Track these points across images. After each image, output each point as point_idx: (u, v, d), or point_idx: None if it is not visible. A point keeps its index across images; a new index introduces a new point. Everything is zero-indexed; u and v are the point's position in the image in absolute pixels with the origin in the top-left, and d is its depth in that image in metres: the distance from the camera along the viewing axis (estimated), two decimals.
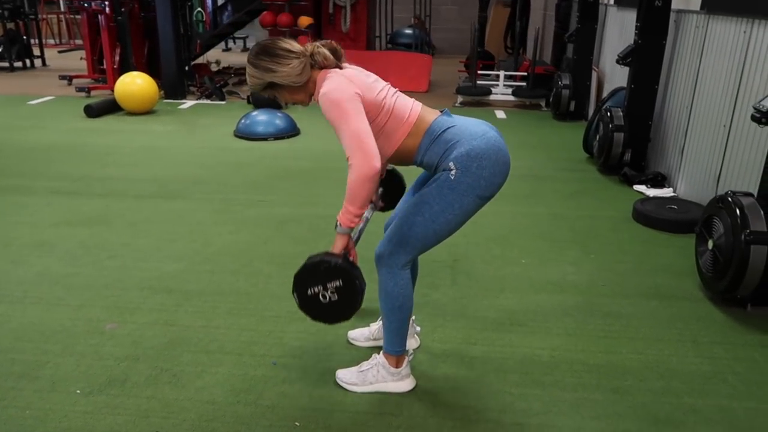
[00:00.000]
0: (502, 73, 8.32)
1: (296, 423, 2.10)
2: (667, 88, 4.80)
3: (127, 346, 2.53)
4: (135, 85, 7.01)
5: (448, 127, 2.02)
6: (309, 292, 1.96)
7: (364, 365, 2.29)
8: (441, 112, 2.12)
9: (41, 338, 2.58)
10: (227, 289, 3.02)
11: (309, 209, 4.14)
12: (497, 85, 8.26)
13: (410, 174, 2.41)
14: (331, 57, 2.05)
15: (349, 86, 1.95)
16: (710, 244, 2.94)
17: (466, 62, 9.54)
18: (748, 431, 2.10)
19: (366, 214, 2.28)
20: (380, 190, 2.49)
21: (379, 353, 2.29)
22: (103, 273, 3.17)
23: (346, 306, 1.97)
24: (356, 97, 1.94)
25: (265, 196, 4.39)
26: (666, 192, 4.53)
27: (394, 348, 2.22)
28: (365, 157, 1.87)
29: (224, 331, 2.66)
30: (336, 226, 2.01)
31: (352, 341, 2.57)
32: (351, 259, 2.07)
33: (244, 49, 15.07)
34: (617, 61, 4.86)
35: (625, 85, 5.56)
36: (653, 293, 3.06)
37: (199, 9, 8.32)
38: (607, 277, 3.22)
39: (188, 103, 7.89)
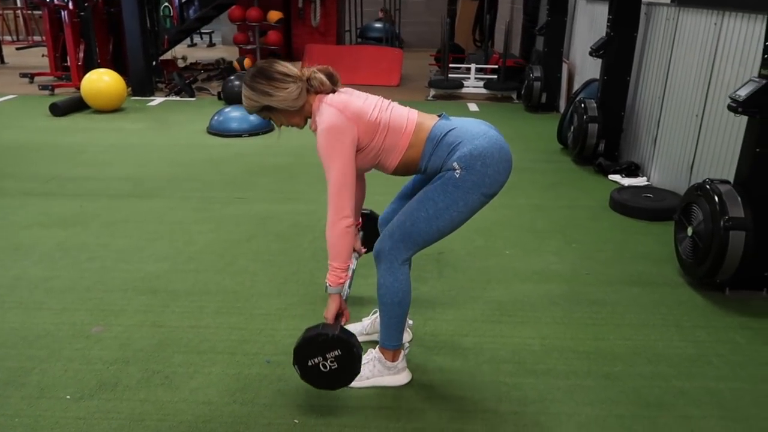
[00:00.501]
0: (473, 66, 8.37)
1: (295, 420, 2.09)
2: (639, 80, 4.90)
3: (115, 349, 2.48)
4: (102, 82, 6.85)
5: (449, 131, 2.04)
6: (309, 363, 2.00)
7: None
8: (439, 116, 2.13)
9: (24, 344, 2.51)
10: (213, 288, 2.98)
11: (290, 205, 4.11)
12: (468, 78, 8.31)
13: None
14: (327, 82, 2.07)
15: (343, 121, 1.98)
16: (689, 231, 3.02)
17: (437, 56, 9.57)
18: (735, 411, 2.17)
19: (351, 265, 2.36)
20: (360, 234, 2.57)
21: (374, 348, 2.29)
22: (83, 275, 3.10)
23: (346, 372, 2.03)
24: (348, 133, 1.98)
25: (244, 193, 4.34)
26: (640, 181, 4.63)
27: (391, 342, 2.23)
28: (337, 214, 1.98)
29: (214, 330, 2.63)
30: (326, 288, 2.06)
31: None
32: (345, 320, 2.12)
33: (210, 44, 14.85)
34: (590, 53, 4.93)
35: (596, 76, 5.66)
36: (635, 280, 3.13)
37: (166, 4, 8.15)
38: (590, 266, 3.28)
39: (157, 100, 7.75)
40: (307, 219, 3.87)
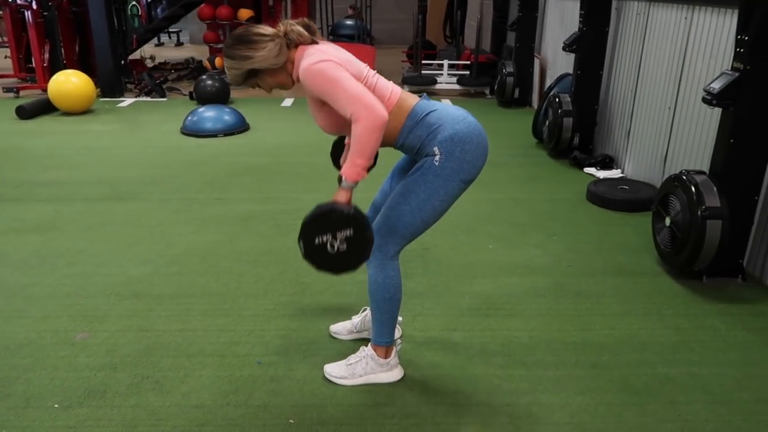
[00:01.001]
0: (445, 62, 8.40)
1: (290, 421, 2.09)
2: (612, 74, 4.99)
3: (101, 356, 2.44)
4: (70, 83, 6.71)
5: (431, 111, 2.03)
6: (317, 241, 1.86)
7: (352, 358, 2.30)
8: (420, 96, 2.13)
9: (6, 353, 2.46)
10: (199, 291, 2.95)
11: (270, 205, 4.08)
12: (441, 74, 8.35)
13: (389, 156, 2.42)
14: (306, 33, 2.02)
15: (330, 56, 1.93)
16: (667, 221, 3.09)
17: (409, 52, 9.59)
18: (720, 395, 2.23)
19: None
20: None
21: (366, 346, 2.30)
22: (63, 281, 3.04)
23: (354, 256, 1.90)
24: (339, 64, 1.91)
25: (224, 194, 4.30)
26: (614, 173, 4.72)
27: (383, 339, 2.23)
28: (371, 109, 1.83)
29: (202, 333, 2.61)
30: (340, 180, 1.92)
31: (334, 335, 2.57)
32: None
33: (178, 43, 14.64)
34: (564, 48, 5.00)
35: (569, 71, 5.75)
36: (616, 270, 3.19)
37: (134, 3, 8.01)
38: (572, 258, 3.33)
39: (127, 101, 7.61)
40: (290, 218, 3.85)
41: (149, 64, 9.97)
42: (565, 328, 2.66)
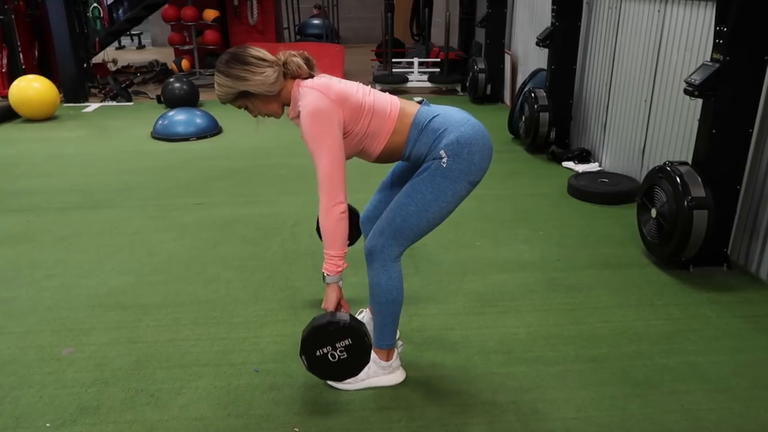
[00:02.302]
0: (416, 60, 8.40)
1: (295, 429, 2.04)
2: (585, 68, 5.04)
3: (91, 370, 2.35)
4: (32, 89, 6.49)
5: (434, 117, 2.02)
6: (318, 353, 1.94)
7: None
8: (419, 102, 2.10)
9: None
10: (186, 299, 2.87)
11: (251, 209, 4.01)
12: (412, 72, 8.34)
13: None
14: (305, 67, 2.01)
15: (327, 102, 1.92)
16: (653, 212, 3.13)
17: (378, 50, 9.56)
18: (718, 383, 2.26)
19: None
20: None
21: None
22: (43, 294, 2.92)
23: (355, 363, 1.99)
24: (335, 116, 1.92)
25: (202, 199, 4.20)
26: (592, 167, 4.77)
27: (385, 341, 2.20)
28: (330, 200, 1.91)
29: (194, 342, 2.53)
30: (324, 278, 1.99)
31: None
32: (345, 312, 2.05)
33: (140, 46, 14.32)
34: (537, 44, 5.04)
35: (540, 66, 5.80)
36: (604, 263, 3.22)
37: (96, 5, 7.78)
38: (559, 252, 3.35)
39: (92, 106, 7.40)
40: (273, 222, 3.78)
41: (111, 67, 9.71)
42: (561, 322, 2.67)
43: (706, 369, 2.34)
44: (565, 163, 4.87)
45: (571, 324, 2.65)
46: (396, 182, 2.27)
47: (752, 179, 3.06)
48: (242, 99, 2.00)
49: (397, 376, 2.26)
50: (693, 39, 3.54)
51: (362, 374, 2.22)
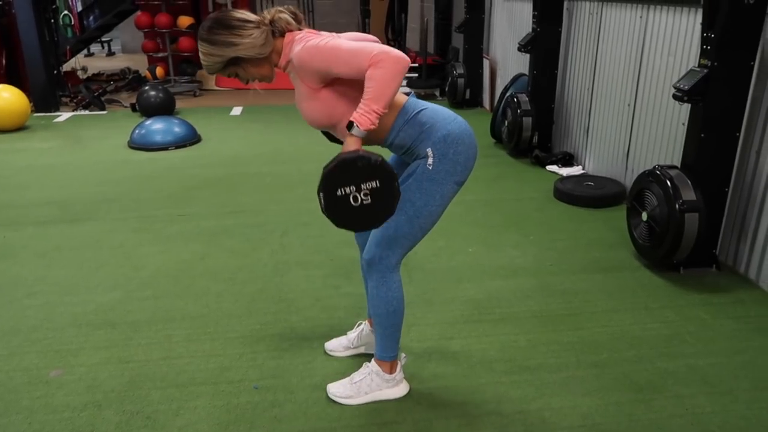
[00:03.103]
0: None
1: None
2: (567, 73, 5.08)
3: (82, 393, 2.26)
4: (1, 99, 6.29)
5: (422, 109, 1.95)
6: (339, 192, 1.71)
7: (357, 376, 2.21)
8: (408, 94, 2.06)
9: None
10: (177, 315, 2.79)
11: (237, 219, 3.93)
12: None
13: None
14: (293, 22, 1.93)
15: (322, 35, 1.85)
16: (644, 216, 3.15)
17: None
18: (719, 385, 2.27)
19: None
20: None
21: (369, 361, 2.22)
22: (25, 313, 2.81)
23: (379, 211, 1.76)
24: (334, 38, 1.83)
25: (186, 210, 4.11)
26: (576, 170, 4.80)
27: (388, 353, 2.16)
28: (391, 51, 1.71)
29: (188, 360, 2.46)
30: (351, 127, 1.77)
31: (330, 353, 2.47)
32: None
33: (110, 53, 14.06)
34: (519, 49, 5.06)
35: (520, 71, 5.85)
36: (596, 267, 3.23)
37: (66, 12, 7.59)
38: (551, 257, 3.35)
39: (64, 116, 7.21)
40: (260, 232, 3.72)
41: (82, 75, 9.50)
42: (560, 328, 2.66)
43: (706, 371, 2.35)
44: (549, 167, 4.90)
45: (570, 329, 2.65)
46: None
47: (739, 181, 3.10)
48: (232, 66, 1.91)
49: (401, 389, 2.22)
50: (676, 44, 3.59)
51: (365, 387, 2.18)
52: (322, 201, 1.73)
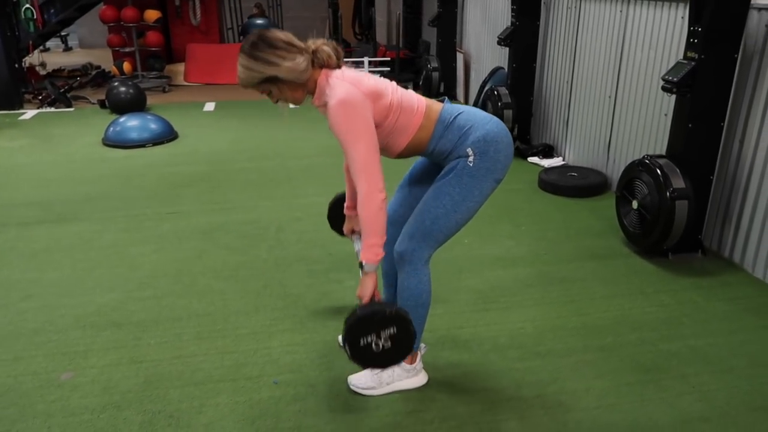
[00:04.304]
0: (366, 60, 8.40)
1: None
2: (545, 66, 5.19)
3: (98, 395, 2.23)
4: None
5: (458, 114, 2.03)
6: (362, 342, 1.90)
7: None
8: (442, 101, 2.11)
9: None
10: (183, 314, 2.77)
11: (229, 215, 3.90)
12: (362, 71, 8.32)
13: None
14: (334, 57, 1.97)
15: (359, 95, 1.88)
16: (635, 204, 3.26)
17: None
18: (720, 363, 2.39)
19: (356, 247, 2.35)
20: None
21: None
22: (24, 317, 2.75)
23: (398, 351, 1.96)
24: (367, 109, 1.89)
25: (174, 207, 4.06)
26: (556, 161, 4.92)
27: None
28: (370, 188, 1.88)
29: (203, 358, 2.45)
30: (361, 267, 1.96)
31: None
32: (377, 299, 2.03)
33: (66, 48, 13.62)
34: (498, 43, 5.14)
35: (495, 64, 5.95)
36: (589, 255, 3.34)
37: (28, 6, 7.34)
38: (545, 246, 3.44)
39: (29, 113, 6.99)
40: (254, 228, 3.70)
41: (41, 71, 9.20)
42: (563, 314, 2.75)
43: (706, 351, 2.47)
44: (531, 159, 5.00)
45: (573, 315, 2.74)
46: (415, 181, 2.26)
47: (723, 169, 3.24)
48: (268, 84, 1.94)
49: (420, 379, 2.26)
50: (657, 38, 3.71)
51: (386, 378, 2.22)
52: (348, 351, 1.91)
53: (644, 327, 2.64)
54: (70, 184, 4.54)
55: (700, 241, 3.29)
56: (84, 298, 2.91)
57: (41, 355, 2.47)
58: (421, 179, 2.22)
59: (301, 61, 1.90)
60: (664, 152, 3.51)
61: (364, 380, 2.23)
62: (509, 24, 5.10)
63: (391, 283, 2.36)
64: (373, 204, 1.88)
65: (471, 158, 1.98)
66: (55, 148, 5.59)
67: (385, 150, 2.07)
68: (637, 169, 3.24)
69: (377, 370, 2.23)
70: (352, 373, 2.29)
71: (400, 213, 2.25)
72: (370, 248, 1.92)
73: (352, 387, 2.23)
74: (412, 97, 2.04)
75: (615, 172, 4.24)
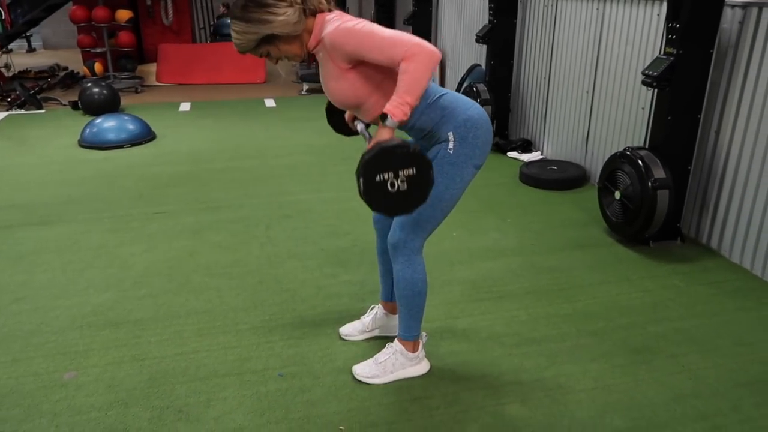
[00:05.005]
0: None
1: (340, 427, 2.06)
2: (522, 63, 5.30)
3: (104, 393, 2.23)
4: None
5: (443, 94, 2.04)
6: (378, 177, 1.77)
7: (381, 356, 2.30)
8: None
9: None
10: (181, 311, 2.78)
11: (216, 215, 3.91)
12: None
13: None
14: (324, 1, 1.98)
15: (355, 18, 1.91)
16: (617, 194, 3.38)
17: None
18: (706, 343, 2.51)
19: (360, 126, 2.26)
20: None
21: (392, 342, 2.31)
22: (18, 319, 2.72)
23: (413, 197, 1.84)
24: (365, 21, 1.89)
25: (161, 207, 4.04)
26: (535, 155, 5.03)
27: (411, 333, 2.26)
28: (424, 45, 1.79)
29: (205, 354, 2.46)
30: (385, 118, 1.85)
31: (346, 338, 2.54)
32: None
33: (30, 49, 13.32)
34: (477, 40, 5.23)
35: (471, 62, 6.04)
36: (573, 245, 3.44)
37: None
38: (531, 237, 3.54)
39: None
40: (244, 226, 3.71)
41: (6, 72, 9.00)
42: (554, 302, 2.84)
43: (692, 333, 2.58)
44: (510, 153, 5.11)
45: (564, 303, 2.83)
46: None
47: (700, 160, 3.38)
48: (265, 44, 1.94)
49: (423, 367, 2.32)
50: (633, 34, 3.84)
51: (390, 366, 2.27)
52: (361, 186, 1.79)
53: (632, 311, 2.75)
54: (51, 187, 4.47)
55: (679, 229, 3.42)
56: (78, 299, 2.89)
57: (40, 356, 2.46)
58: None
59: (291, 13, 1.89)
60: (642, 144, 3.65)
61: (368, 369, 2.28)
62: (486, 22, 5.20)
63: (385, 264, 2.42)
64: (428, 55, 1.78)
65: (451, 144, 2.00)
66: (31, 150, 5.49)
67: (364, 112, 2.05)
68: (619, 160, 3.36)
69: (381, 359, 2.28)
70: (355, 364, 2.34)
71: None
72: (402, 105, 1.82)
73: (356, 376, 2.28)
74: None
75: (594, 165, 4.37)
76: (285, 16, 1.90)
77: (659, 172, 3.17)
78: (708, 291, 2.93)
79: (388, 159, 1.78)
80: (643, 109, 3.77)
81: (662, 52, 3.19)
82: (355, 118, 2.33)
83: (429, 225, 2.12)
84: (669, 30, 3.12)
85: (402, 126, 2.05)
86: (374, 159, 1.78)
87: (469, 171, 2.08)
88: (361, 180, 1.79)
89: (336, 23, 1.91)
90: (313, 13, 1.97)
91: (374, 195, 1.82)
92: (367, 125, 1.96)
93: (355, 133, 2.37)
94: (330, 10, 2.00)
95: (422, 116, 2.04)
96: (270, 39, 1.93)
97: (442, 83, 7.32)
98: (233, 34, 1.94)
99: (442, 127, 2.02)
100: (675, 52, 3.08)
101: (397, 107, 1.83)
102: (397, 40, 1.82)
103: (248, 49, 1.96)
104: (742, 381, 2.27)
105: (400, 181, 1.80)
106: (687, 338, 2.54)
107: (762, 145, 2.98)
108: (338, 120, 2.42)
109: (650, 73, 3.14)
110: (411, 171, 1.80)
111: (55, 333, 2.61)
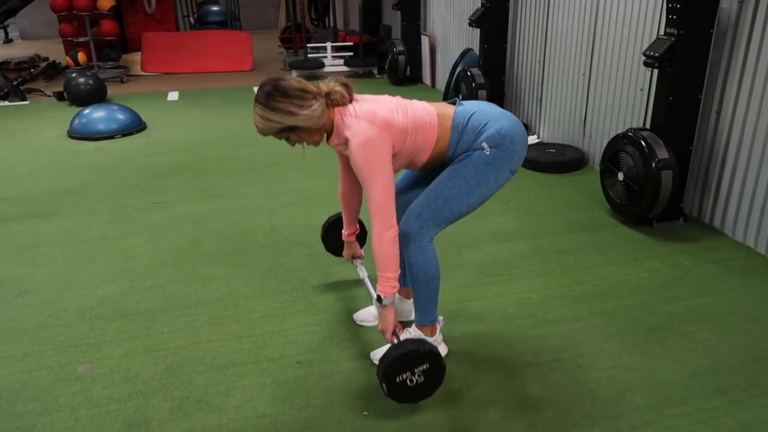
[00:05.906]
0: (328, 45, 8.36)
1: (364, 413, 2.05)
2: (516, 47, 5.29)
3: (120, 384, 2.20)
4: None
5: (471, 114, 2.07)
6: (398, 379, 1.95)
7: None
8: (453, 103, 2.14)
9: (5, 402, 2.13)
10: (191, 301, 2.75)
11: (217, 204, 3.86)
12: (326, 56, 8.30)
13: None
14: (347, 95, 1.99)
15: (376, 131, 1.92)
16: (620, 176, 3.39)
17: (285, 37, 9.37)
18: (717, 320, 2.54)
19: (361, 273, 2.50)
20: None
21: (411, 327, 2.30)
22: (25, 313, 2.67)
23: (431, 384, 2.01)
24: (385, 143, 1.94)
25: (159, 198, 3.98)
26: (531, 139, 5.04)
27: (428, 318, 2.25)
28: (384, 226, 1.96)
29: (220, 343, 2.44)
30: (379, 300, 2.05)
31: (360, 323, 2.54)
32: (400, 331, 2.13)
33: (7, 40, 13.01)
34: (470, 24, 5.21)
35: (463, 47, 6.02)
36: (578, 227, 3.46)
37: None
38: (535, 220, 3.55)
39: None
40: (246, 215, 3.67)
41: None
42: (565, 283, 2.85)
43: (703, 311, 2.61)
44: None
45: (574, 284, 2.84)
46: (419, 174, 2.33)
47: (701, 140, 3.40)
48: (287, 132, 1.97)
49: (441, 350, 2.32)
50: (630, 16, 3.84)
51: None
52: (385, 388, 1.96)
53: (642, 291, 2.77)
54: (44, 179, 4.39)
55: (682, 209, 3.45)
56: (84, 291, 2.84)
57: (51, 349, 2.42)
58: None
59: (317, 107, 1.92)
60: (641, 125, 3.67)
61: None
62: (478, 6, 5.17)
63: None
64: (386, 240, 1.97)
65: (487, 150, 2.03)
66: (20, 142, 5.37)
67: (410, 165, 2.15)
68: (621, 142, 3.37)
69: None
70: (372, 349, 2.33)
71: (402, 185, 2.31)
72: (386, 281, 2.01)
73: (375, 362, 2.27)
74: (422, 112, 2.06)
75: (592, 147, 4.39)
76: (310, 110, 1.91)
77: (662, 153, 3.19)
78: (714, 269, 2.96)
79: (403, 363, 1.95)
80: (641, 90, 3.78)
81: (663, 33, 3.20)
82: (353, 257, 2.57)
83: (451, 217, 2.12)
84: (669, 10, 3.12)
85: (444, 160, 2.13)
86: (392, 366, 1.94)
87: (504, 174, 2.10)
88: (384, 385, 1.96)
89: (356, 129, 1.93)
90: (335, 106, 1.98)
91: (397, 393, 1.99)
92: (379, 297, 2.06)
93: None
94: (351, 101, 2.01)
95: (459, 144, 2.08)
96: (293, 128, 1.94)
97: (433, 69, 7.29)
98: (256, 117, 1.94)
99: (476, 141, 2.06)
100: (675, 32, 3.09)
101: (384, 286, 2.03)
102: (374, 205, 1.95)
103: (269, 134, 1.98)
104: (757, 356, 2.31)
105: (417, 376, 1.98)
106: (698, 316, 2.57)
107: (763, 123, 3.01)
108: (332, 247, 2.73)
109: (651, 53, 3.14)
110: (425, 366, 1.97)
111: (65, 326, 2.57)
